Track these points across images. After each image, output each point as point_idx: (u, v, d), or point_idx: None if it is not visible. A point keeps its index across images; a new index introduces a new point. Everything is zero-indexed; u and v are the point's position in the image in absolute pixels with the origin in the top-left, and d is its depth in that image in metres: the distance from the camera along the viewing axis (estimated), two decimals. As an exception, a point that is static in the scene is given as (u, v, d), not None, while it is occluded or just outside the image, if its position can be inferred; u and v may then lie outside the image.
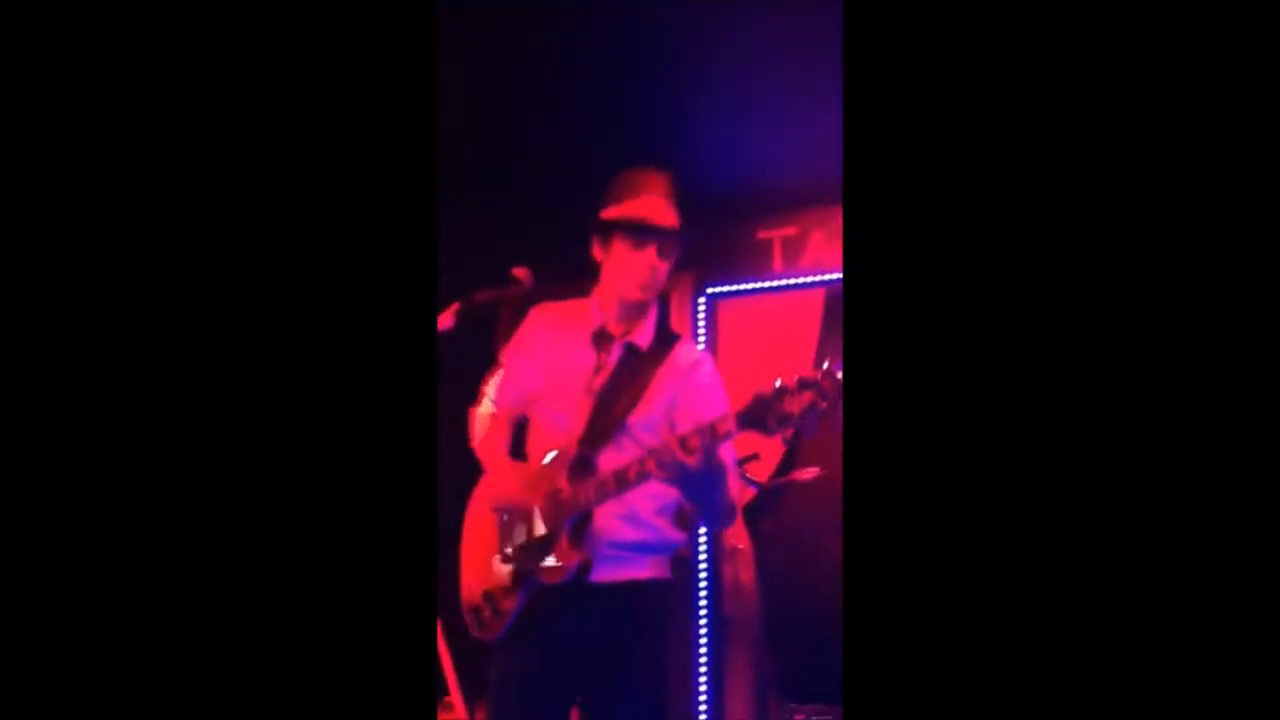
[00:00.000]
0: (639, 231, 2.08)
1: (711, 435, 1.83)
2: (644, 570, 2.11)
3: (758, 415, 1.80)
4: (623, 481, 1.95)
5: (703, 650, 3.99)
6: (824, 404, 1.75)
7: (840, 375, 1.74)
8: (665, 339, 2.19)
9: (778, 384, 1.78)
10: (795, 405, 1.76)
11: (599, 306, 2.19)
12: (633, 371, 2.12)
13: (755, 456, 3.72)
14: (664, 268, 2.11)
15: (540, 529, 2.04)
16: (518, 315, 2.31)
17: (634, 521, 2.08)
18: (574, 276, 2.24)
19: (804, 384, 1.76)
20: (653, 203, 2.11)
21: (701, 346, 4.23)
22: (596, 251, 2.15)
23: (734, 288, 4.30)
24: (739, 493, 3.85)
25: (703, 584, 4.03)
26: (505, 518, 2.10)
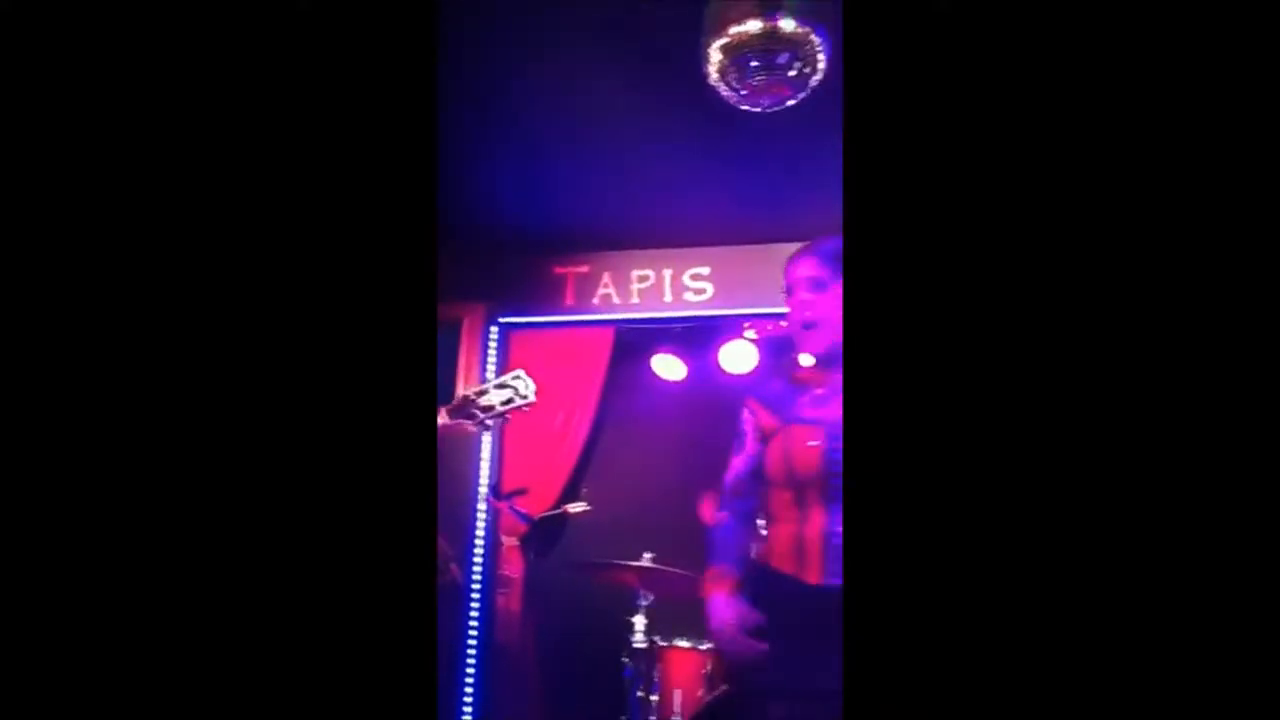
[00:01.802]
0: None
1: None
2: None
3: (464, 407, 2.23)
4: None
5: (470, 677, 4.01)
6: (521, 401, 2.24)
7: (531, 383, 2.25)
8: None
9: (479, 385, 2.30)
10: (496, 400, 2.24)
11: None
12: None
13: (524, 491, 3.79)
14: None
15: None
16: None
17: None
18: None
19: (502, 384, 2.26)
20: None
21: (492, 372, 4.28)
22: None
23: (526, 319, 4.38)
24: (511, 526, 3.93)
25: (474, 612, 4.06)
26: None
